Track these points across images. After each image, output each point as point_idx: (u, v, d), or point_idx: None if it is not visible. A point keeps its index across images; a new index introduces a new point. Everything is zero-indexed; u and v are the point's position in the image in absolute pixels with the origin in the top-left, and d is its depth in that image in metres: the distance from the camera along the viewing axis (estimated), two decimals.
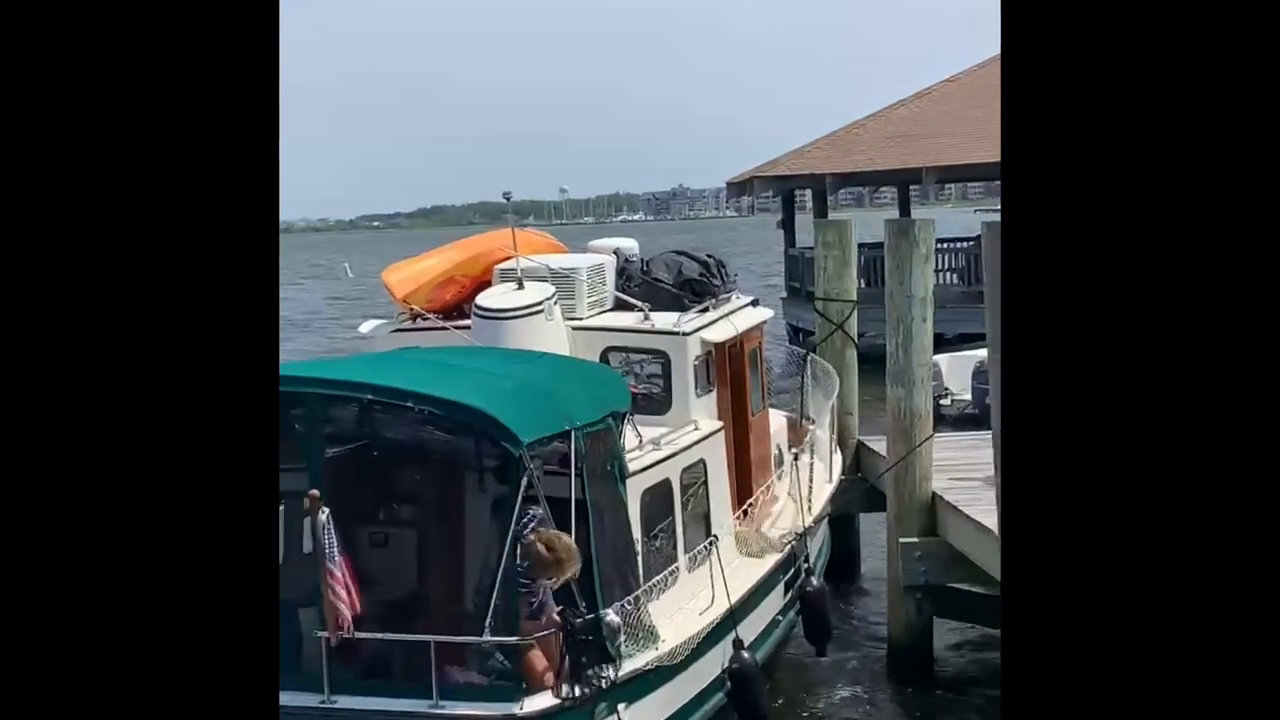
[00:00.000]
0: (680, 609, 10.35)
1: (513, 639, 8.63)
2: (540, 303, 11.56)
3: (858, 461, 16.04)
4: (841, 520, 15.58)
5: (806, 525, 12.85)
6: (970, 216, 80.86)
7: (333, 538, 8.60)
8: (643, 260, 13.11)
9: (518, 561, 8.75)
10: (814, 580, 12.69)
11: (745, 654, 10.53)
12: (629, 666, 9.13)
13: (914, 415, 12.78)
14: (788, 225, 41.30)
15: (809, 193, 40.12)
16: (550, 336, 11.50)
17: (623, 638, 9.14)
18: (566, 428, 9.17)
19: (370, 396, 9.04)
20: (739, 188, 41.33)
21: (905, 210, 42.63)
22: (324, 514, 8.57)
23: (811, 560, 13.04)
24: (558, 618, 8.77)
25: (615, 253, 13.04)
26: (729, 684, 10.45)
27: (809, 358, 16.11)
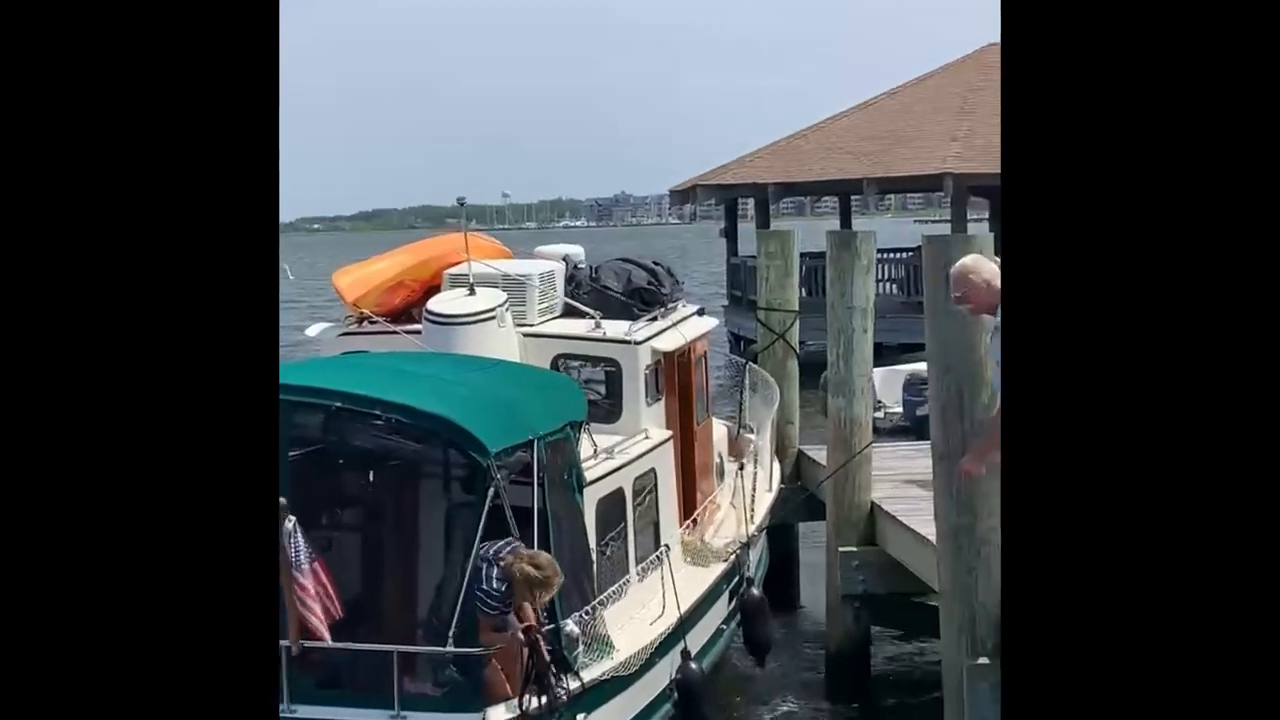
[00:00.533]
0: (631, 618, 10.36)
1: (478, 649, 8.59)
2: (493, 309, 11.54)
3: (798, 470, 16.11)
4: (781, 529, 15.64)
5: (750, 535, 12.89)
6: (910, 227, 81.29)
7: (300, 545, 8.53)
8: (590, 267, 13.12)
9: (495, 585, 8.70)
10: (754, 590, 12.74)
11: (693, 665, 10.56)
12: (585, 677, 9.13)
13: (854, 425, 12.86)
14: (730, 234, 41.45)
15: (751, 201, 40.27)
16: (502, 343, 11.49)
17: (581, 648, 9.13)
18: (530, 437, 9.17)
19: (338, 404, 8.96)
20: (682, 195, 41.47)
21: (846, 220, 42.85)
22: (290, 522, 8.49)
23: (751, 570, 13.08)
24: (522, 631, 8.73)
25: (564, 259, 13.04)
26: (676, 695, 10.46)
27: (748, 367, 16.17)
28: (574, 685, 8.85)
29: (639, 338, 11.90)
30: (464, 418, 8.95)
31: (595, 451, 10.50)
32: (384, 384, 9.35)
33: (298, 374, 9.84)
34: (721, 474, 14.04)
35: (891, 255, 35.33)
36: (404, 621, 9.64)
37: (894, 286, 34.70)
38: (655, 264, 13.34)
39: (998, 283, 8.31)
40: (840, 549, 12.81)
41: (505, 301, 11.73)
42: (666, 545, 11.17)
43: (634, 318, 12.30)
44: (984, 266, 8.45)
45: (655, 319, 12.48)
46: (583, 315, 12.32)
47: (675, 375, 12.61)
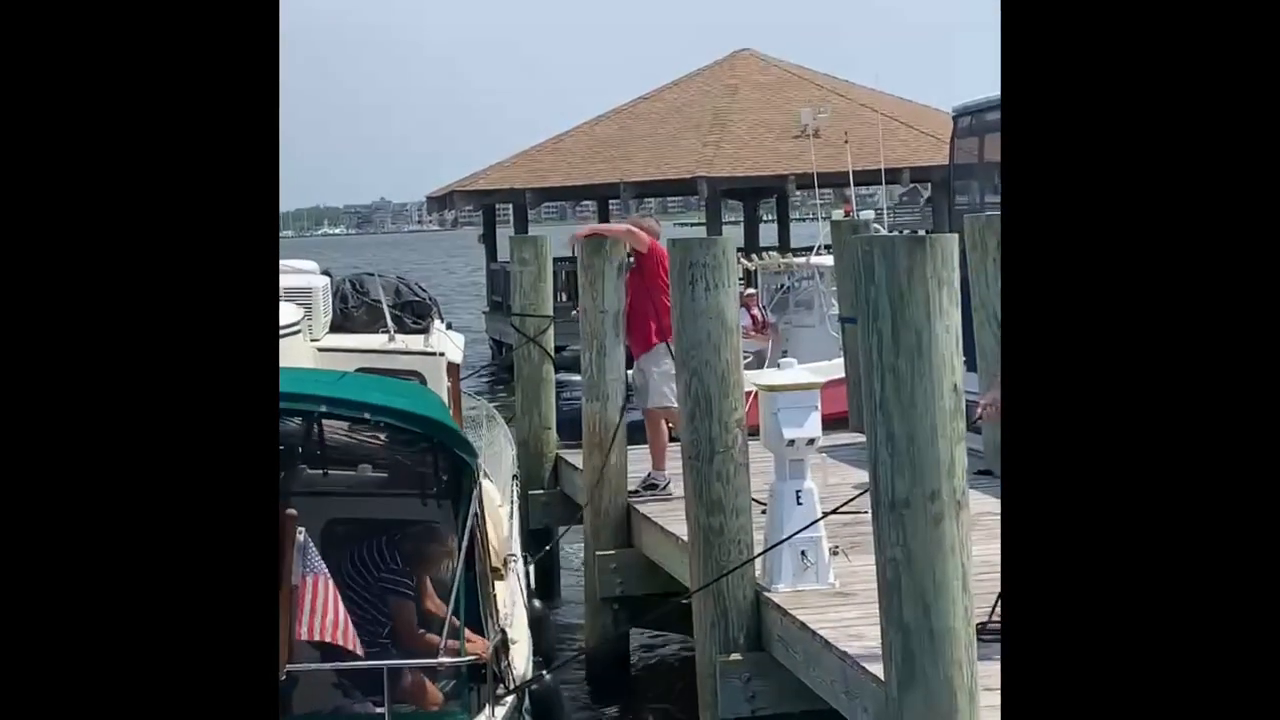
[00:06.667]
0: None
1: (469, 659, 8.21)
2: (297, 323, 11.13)
3: (556, 475, 16.18)
4: (541, 534, 15.71)
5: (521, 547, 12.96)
6: (672, 230, 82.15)
7: (304, 560, 7.68)
8: (352, 281, 13.05)
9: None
10: (534, 602, 12.82)
11: (545, 674, 10.58)
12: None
13: (608, 428, 12.96)
14: (489, 240, 41.38)
15: (511, 206, 40.31)
16: (305, 357, 11.16)
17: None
18: None
19: (323, 408, 8.40)
20: (440, 202, 41.28)
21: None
22: (301, 534, 7.67)
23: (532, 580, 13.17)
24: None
25: (326, 273, 12.98)
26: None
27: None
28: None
29: (439, 349, 11.84)
30: (447, 419, 8.69)
31: None
32: (360, 389, 8.91)
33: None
34: None
35: None
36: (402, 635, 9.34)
37: None
38: (400, 279, 13.35)
39: None
40: (598, 552, 12.91)
41: (305, 315, 11.43)
42: (515, 554, 11.03)
43: (408, 331, 12.26)
44: None
45: (428, 332, 12.47)
46: (360, 329, 12.23)
47: (455, 388, 12.63)
